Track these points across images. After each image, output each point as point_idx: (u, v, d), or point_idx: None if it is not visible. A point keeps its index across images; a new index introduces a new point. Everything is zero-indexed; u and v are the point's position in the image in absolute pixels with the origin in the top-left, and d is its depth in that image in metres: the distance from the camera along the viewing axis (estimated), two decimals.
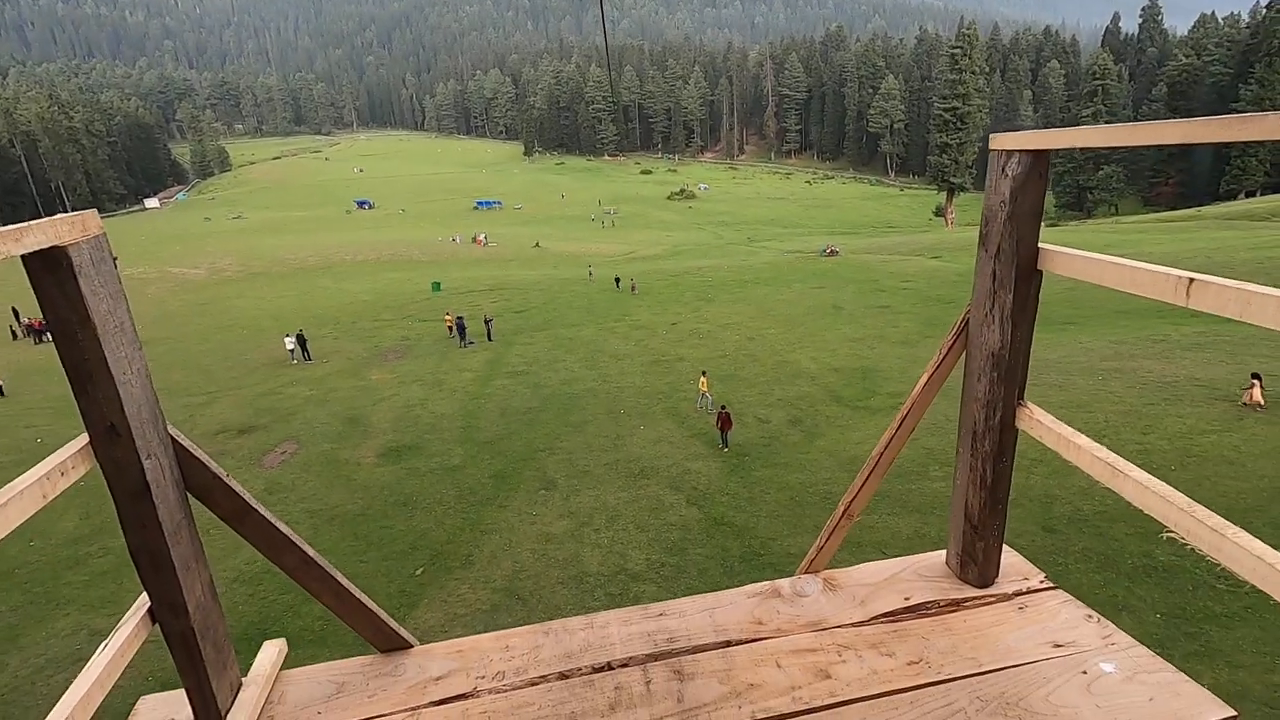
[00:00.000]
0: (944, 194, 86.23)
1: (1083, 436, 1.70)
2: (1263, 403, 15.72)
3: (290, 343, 30.70)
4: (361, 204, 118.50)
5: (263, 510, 1.71)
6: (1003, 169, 1.76)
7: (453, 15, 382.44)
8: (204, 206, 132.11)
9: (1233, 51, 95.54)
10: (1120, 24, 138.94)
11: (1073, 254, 1.67)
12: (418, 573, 12.83)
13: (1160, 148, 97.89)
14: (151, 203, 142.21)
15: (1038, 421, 1.85)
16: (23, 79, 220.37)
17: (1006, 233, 1.78)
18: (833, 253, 52.71)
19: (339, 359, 30.70)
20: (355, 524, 15.08)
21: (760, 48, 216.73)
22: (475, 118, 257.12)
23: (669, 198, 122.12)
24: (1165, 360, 20.72)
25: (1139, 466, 1.56)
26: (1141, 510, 1.48)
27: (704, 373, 20.82)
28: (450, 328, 32.08)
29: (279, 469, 18.98)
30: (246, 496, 1.68)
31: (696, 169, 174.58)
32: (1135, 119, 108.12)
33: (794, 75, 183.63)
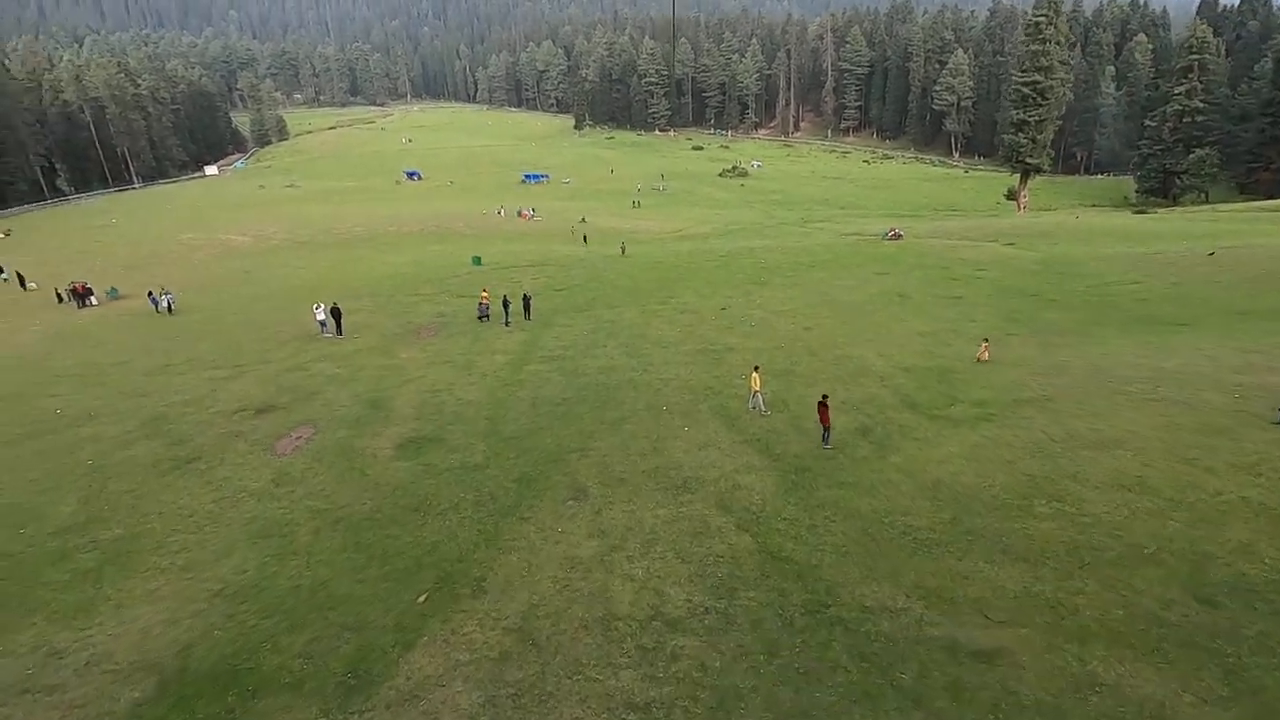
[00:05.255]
0: (1017, 176, 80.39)
1: None
2: (986, 358, 21.10)
3: (321, 314, 29.41)
4: (410, 175, 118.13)
5: None
6: None
7: None
8: (260, 174, 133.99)
9: None
10: None
11: None
12: (420, 600, 11.03)
13: (1262, 129, 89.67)
14: (211, 169, 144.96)
15: None
16: (96, 47, 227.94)
17: None
18: (896, 236, 49.13)
19: (371, 334, 29.32)
20: (360, 530, 13.39)
21: (821, 20, 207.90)
22: (527, 90, 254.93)
23: (720, 174, 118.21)
24: None
25: None
26: None
27: (756, 368, 18.45)
28: (481, 304, 30.33)
29: (291, 456, 17.51)
30: None
31: (749, 145, 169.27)
32: (1233, 98, 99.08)
33: (856, 49, 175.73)
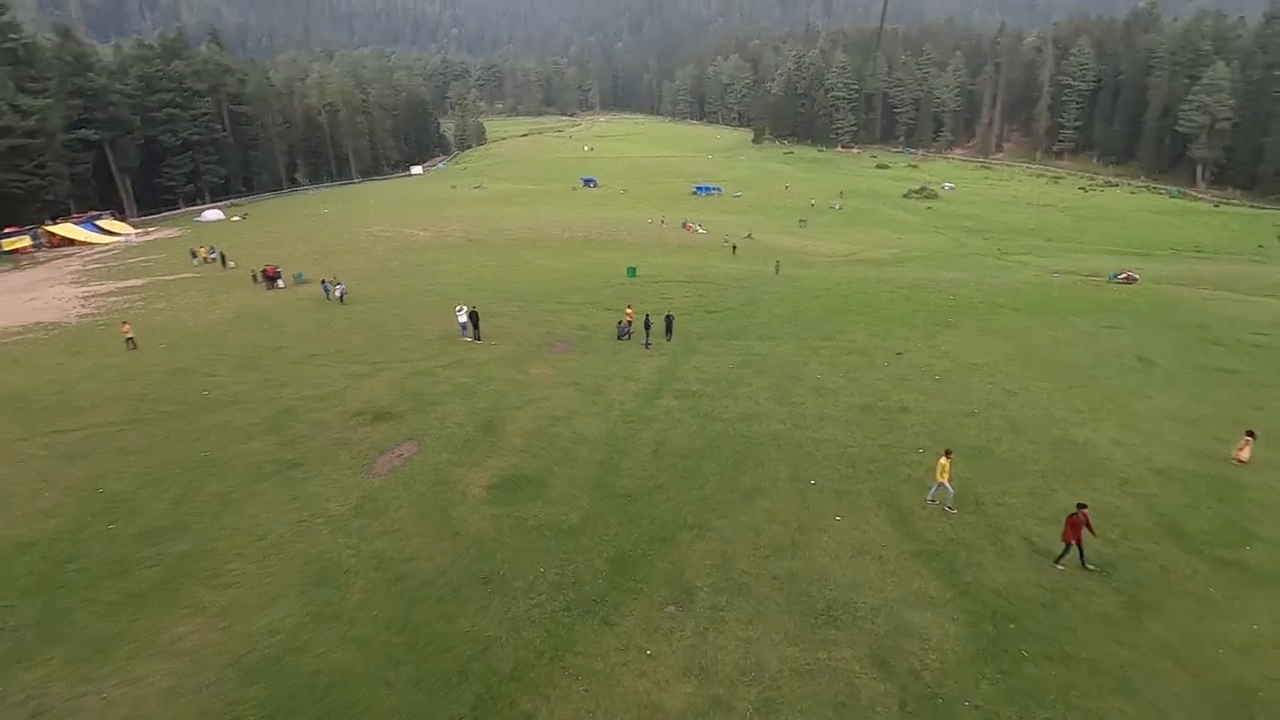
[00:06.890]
0: None
1: None
2: (1246, 459, 15.61)
3: (462, 316, 28.69)
4: (587, 182, 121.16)
5: None
6: None
7: (702, 1, 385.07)
8: (455, 175, 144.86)
9: None
10: None
11: None
12: None
13: None
14: (416, 169, 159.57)
15: None
16: (342, 60, 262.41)
17: None
18: (1129, 279, 40.29)
19: (508, 342, 28.05)
20: (414, 601, 11.07)
21: (1041, 30, 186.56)
22: (710, 103, 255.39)
23: (905, 195, 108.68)
24: None
25: None
26: None
27: (948, 453, 13.84)
28: (623, 323, 27.98)
29: (385, 479, 15.91)
30: None
31: (941, 166, 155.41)
32: None
33: (1081, 61, 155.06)
